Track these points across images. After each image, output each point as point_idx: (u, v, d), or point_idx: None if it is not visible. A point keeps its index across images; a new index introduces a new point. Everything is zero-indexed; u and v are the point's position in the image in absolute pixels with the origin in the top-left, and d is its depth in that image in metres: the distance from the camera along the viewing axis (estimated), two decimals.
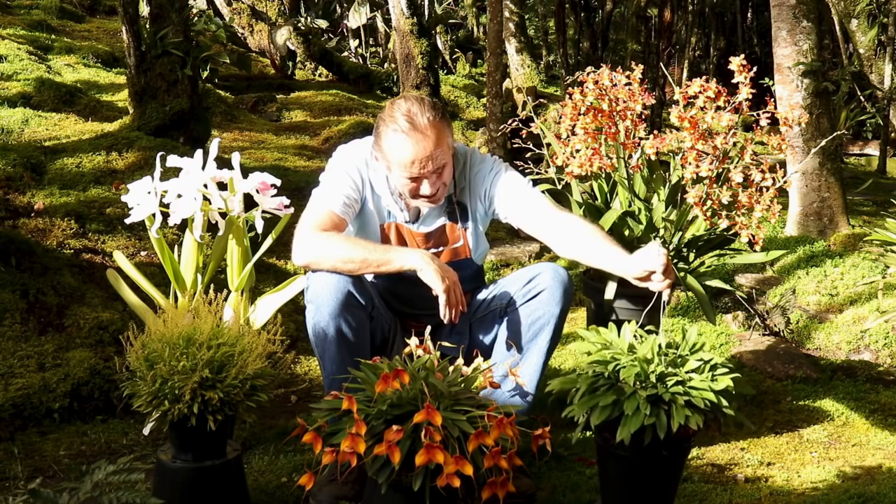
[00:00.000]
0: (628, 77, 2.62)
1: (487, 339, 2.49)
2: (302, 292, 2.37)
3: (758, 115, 2.52)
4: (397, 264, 2.23)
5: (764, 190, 2.49)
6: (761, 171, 2.48)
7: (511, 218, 2.47)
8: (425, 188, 2.32)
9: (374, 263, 2.23)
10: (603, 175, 2.76)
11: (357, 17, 10.98)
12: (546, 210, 2.41)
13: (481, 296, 2.52)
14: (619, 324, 2.12)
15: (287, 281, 2.61)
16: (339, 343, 2.22)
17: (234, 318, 2.48)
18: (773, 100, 2.64)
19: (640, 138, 2.67)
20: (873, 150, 10.26)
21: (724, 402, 1.92)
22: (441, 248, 2.47)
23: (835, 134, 4.51)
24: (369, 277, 2.41)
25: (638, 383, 1.93)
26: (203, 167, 2.47)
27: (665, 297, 2.16)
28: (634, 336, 2.07)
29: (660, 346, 2.01)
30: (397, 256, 2.25)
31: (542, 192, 2.79)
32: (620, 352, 2.02)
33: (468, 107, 9.72)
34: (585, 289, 2.85)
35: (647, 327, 2.10)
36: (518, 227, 2.48)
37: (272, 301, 2.57)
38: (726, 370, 1.99)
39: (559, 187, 2.84)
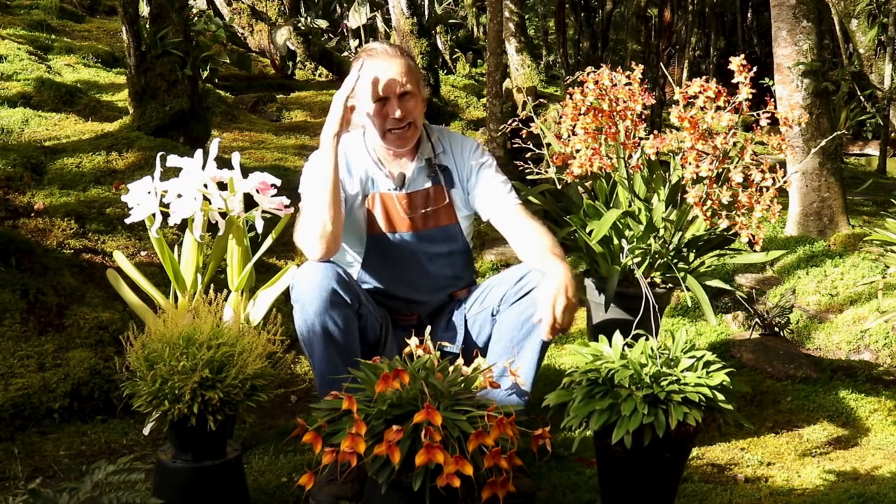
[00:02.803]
0: (628, 77, 2.61)
1: (482, 338, 2.50)
2: None
3: (758, 115, 2.51)
4: (321, 151, 2.31)
5: (764, 190, 2.49)
6: (761, 171, 2.48)
7: (482, 210, 2.54)
8: (394, 111, 2.38)
9: (325, 183, 2.28)
10: (603, 175, 2.75)
11: (357, 17, 10.98)
12: (514, 213, 2.51)
13: (475, 294, 2.55)
14: (616, 324, 2.11)
15: (278, 274, 2.62)
16: (325, 341, 2.22)
17: (234, 318, 2.48)
18: (773, 100, 2.64)
19: (640, 138, 2.67)
20: (873, 150, 10.26)
21: (721, 397, 1.92)
22: (428, 209, 2.49)
23: (835, 134, 4.50)
24: (355, 276, 2.45)
25: (633, 386, 1.93)
26: (203, 167, 2.47)
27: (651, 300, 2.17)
28: (626, 345, 2.07)
29: (651, 348, 2.01)
30: (319, 150, 2.32)
31: (542, 192, 2.80)
32: (611, 361, 2.02)
33: (468, 107, 9.71)
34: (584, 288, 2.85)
35: (637, 332, 2.10)
36: (486, 220, 2.55)
37: (267, 296, 2.58)
38: (720, 366, 2.00)
39: (559, 187, 2.84)
